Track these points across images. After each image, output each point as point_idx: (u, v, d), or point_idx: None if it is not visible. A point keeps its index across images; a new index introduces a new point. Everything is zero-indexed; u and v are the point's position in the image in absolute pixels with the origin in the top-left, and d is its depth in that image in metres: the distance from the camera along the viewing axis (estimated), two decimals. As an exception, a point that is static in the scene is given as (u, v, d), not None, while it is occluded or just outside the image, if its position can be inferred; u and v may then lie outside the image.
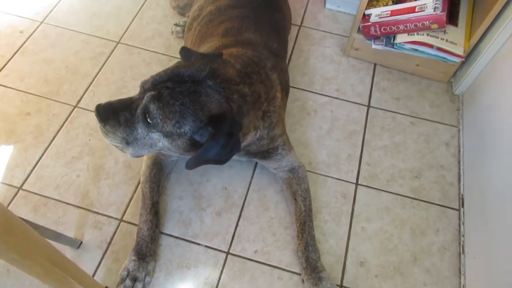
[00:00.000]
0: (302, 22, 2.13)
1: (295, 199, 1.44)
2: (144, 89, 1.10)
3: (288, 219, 1.48)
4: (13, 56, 1.85)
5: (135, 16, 2.06)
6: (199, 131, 1.06)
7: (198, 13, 1.65)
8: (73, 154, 1.58)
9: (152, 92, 1.05)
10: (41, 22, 1.99)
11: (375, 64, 1.97)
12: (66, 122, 1.66)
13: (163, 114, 1.04)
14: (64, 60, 1.85)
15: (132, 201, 1.48)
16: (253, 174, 1.59)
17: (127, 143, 1.13)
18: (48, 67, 1.82)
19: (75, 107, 1.70)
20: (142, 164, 1.48)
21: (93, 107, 1.59)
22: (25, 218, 1.24)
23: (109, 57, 1.89)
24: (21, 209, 1.43)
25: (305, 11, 2.18)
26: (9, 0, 2.06)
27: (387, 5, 1.73)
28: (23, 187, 1.48)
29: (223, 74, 1.11)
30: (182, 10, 1.98)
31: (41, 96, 1.72)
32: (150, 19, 2.06)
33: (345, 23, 2.13)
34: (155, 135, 1.09)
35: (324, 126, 1.75)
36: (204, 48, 1.46)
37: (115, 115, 1.10)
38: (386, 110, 1.81)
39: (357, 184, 1.59)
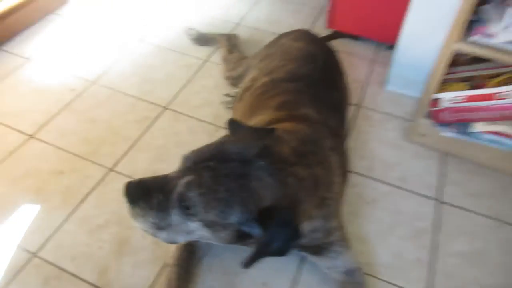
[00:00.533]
0: (360, 102, 1.98)
1: (351, 309, 1.16)
2: (184, 166, 0.93)
3: (340, 333, 1.18)
4: (59, 112, 1.79)
5: (186, 84, 2.00)
6: (247, 222, 0.88)
7: (250, 84, 1.55)
8: (99, 221, 1.40)
9: (189, 177, 0.88)
10: (93, 83, 1.96)
11: (444, 154, 1.74)
12: (99, 185, 1.52)
13: (205, 201, 0.87)
14: (108, 121, 1.77)
15: (157, 286, 1.25)
16: (299, 269, 1.33)
17: (159, 228, 0.95)
18: (91, 126, 1.74)
19: (110, 170, 1.57)
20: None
21: (130, 171, 1.47)
22: None
23: (154, 122, 1.79)
24: (31, 280, 1.24)
25: (363, 91, 2.05)
26: (65, 59, 2.08)
27: (460, 90, 1.55)
28: (38, 254, 1.31)
29: (276, 153, 0.94)
30: (234, 81, 1.90)
31: (78, 155, 1.62)
32: (201, 87, 1.99)
33: (409, 106, 1.96)
34: (194, 224, 0.91)
35: (386, 220, 1.50)
36: (255, 121, 1.32)
37: (147, 197, 0.92)
38: (461, 208, 1.55)
39: (429, 298, 1.29)
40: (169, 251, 1.31)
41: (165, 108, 1.86)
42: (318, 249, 1.16)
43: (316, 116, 1.24)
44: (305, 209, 0.96)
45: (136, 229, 1.36)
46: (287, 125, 1.17)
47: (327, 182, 1.06)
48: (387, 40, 2.25)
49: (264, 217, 0.86)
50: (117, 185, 1.52)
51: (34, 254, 1.30)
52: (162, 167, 1.59)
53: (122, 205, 1.45)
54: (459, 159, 1.72)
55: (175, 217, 0.91)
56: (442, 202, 1.57)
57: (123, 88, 1.94)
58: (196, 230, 0.92)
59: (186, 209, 0.89)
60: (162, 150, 1.67)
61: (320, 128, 1.18)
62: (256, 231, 0.87)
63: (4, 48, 2.11)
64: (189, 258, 1.24)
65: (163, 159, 1.63)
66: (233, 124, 1.02)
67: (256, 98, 1.43)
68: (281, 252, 0.88)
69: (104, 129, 1.74)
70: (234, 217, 0.87)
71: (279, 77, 1.45)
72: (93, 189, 1.50)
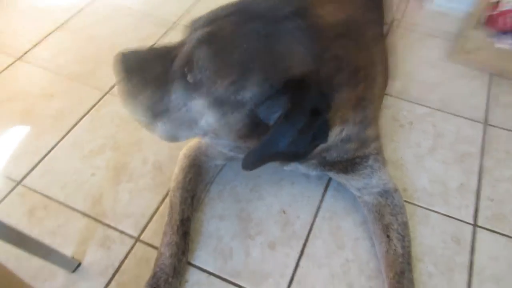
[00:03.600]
0: (397, 18, 1.71)
1: (388, 236, 0.96)
2: (194, 29, 0.72)
3: (373, 265, 1.00)
4: (53, 31, 1.59)
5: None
6: (266, 102, 0.66)
7: None
8: (93, 147, 1.23)
9: (205, 29, 0.66)
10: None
11: (491, 74, 1.49)
12: (93, 109, 1.33)
13: (215, 66, 0.65)
14: (108, 38, 1.57)
15: (156, 215, 1.08)
16: (323, 195, 1.14)
17: (154, 115, 0.75)
18: (88, 45, 1.54)
19: (107, 92, 1.38)
20: (176, 165, 1.10)
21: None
22: (15, 222, 0.92)
23: (161, 39, 1.58)
24: (14, 210, 1.08)
25: (401, 6, 1.77)
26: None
27: (523, -12, 1.27)
28: (23, 182, 1.14)
29: (314, 17, 0.71)
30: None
31: (72, 77, 1.42)
32: (217, 3, 1.74)
33: (452, 24, 1.69)
34: (197, 103, 0.70)
35: (424, 144, 1.28)
36: None
37: (141, 69, 0.72)
38: (512, 131, 1.31)
39: (475, 225, 1.09)
40: (172, 178, 1.14)
41: (175, 23, 1.64)
42: (349, 165, 0.95)
43: (354, 2, 1.00)
44: (339, 104, 0.74)
45: (135, 155, 1.20)
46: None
47: (368, 77, 0.83)
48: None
49: (289, 97, 0.65)
50: (114, 108, 1.33)
51: (18, 182, 1.14)
52: (165, 89, 1.39)
53: (119, 128, 1.28)
54: (509, 80, 1.46)
55: (175, 94, 0.71)
56: (491, 125, 1.33)
57: (127, 3, 1.72)
58: (199, 116, 0.72)
59: (189, 83, 0.69)
60: (165, 71, 1.46)
61: (358, 12, 0.94)
62: (274, 118, 0.66)
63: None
64: (196, 181, 1.06)
65: (166, 80, 1.43)
66: None
67: None
68: (300, 151, 0.67)
69: (103, 48, 1.53)
70: (249, 92, 0.65)
71: None
72: (86, 112, 1.32)
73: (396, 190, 1.02)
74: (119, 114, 1.31)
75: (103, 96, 1.37)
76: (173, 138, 0.79)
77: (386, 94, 1.40)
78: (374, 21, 1.01)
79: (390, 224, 0.97)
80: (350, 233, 1.06)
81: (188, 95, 0.70)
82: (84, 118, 1.30)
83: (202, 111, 0.70)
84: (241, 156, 0.99)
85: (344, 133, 0.85)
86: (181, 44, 0.73)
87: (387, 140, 1.27)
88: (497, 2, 1.30)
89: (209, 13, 0.72)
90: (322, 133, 0.68)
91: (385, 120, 1.33)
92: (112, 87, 1.40)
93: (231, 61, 0.64)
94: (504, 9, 1.28)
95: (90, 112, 1.32)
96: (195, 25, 0.73)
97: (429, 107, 1.38)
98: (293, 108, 0.64)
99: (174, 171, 1.08)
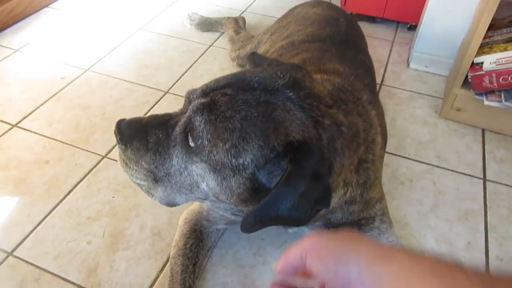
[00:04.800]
0: (382, 80, 1.78)
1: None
2: (189, 100, 0.73)
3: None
4: (47, 100, 1.60)
5: (189, 68, 1.81)
6: (266, 166, 0.66)
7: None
8: (89, 213, 1.19)
9: (202, 100, 0.68)
10: (86, 70, 1.78)
11: (483, 130, 1.52)
12: (89, 174, 1.31)
13: (214, 131, 0.65)
14: (102, 107, 1.57)
15: (156, 283, 1.02)
16: (330, 259, 1.10)
17: (155, 180, 0.74)
18: (82, 113, 1.54)
19: (103, 157, 1.36)
20: (177, 231, 1.06)
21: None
22: None
23: (153, 106, 1.59)
24: (3, 284, 1.01)
25: (385, 70, 1.85)
26: (57, 50, 1.90)
27: (505, 50, 1.34)
28: (14, 253, 1.08)
29: (309, 88, 0.73)
30: (242, 61, 1.71)
31: (67, 143, 1.41)
32: (205, 71, 1.80)
33: (436, 84, 1.76)
34: (199, 167, 0.69)
35: (425, 201, 1.27)
36: None
37: (143, 135, 0.73)
38: (512, 186, 1.32)
39: None
40: (172, 244, 1.09)
41: (166, 92, 1.67)
42: (355, 227, 0.93)
43: (347, 70, 1.03)
44: (341, 167, 0.74)
45: (133, 220, 1.16)
46: (317, 76, 0.96)
47: (368, 139, 0.84)
48: (407, 19, 2.07)
49: (290, 160, 0.64)
50: (111, 173, 1.31)
51: (9, 253, 1.08)
52: (163, 152, 1.38)
53: (117, 194, 1.25)
54: (501, 135, 1.50)
55: (176, 158, 0.71)
56: (490, 181, 1.34)
57: (120, 74, 1.75)
58: (200, 180, 0.71)
59: (190, 148, 0.69)
60: (162, 134, 1.46)
61: (353, 82, 0.97)
62: (276, 180, 0.65)
63: (-9, 40, 1.94)
64: (197, 247, 1.01)
65: (164, 143, 1.42)
66: (256, 56, 0.82)
67: None
68: (297, 215, 0.64)
69: (97, 115, 1.54)
70: (249, 156, 0.65)
71: (298, 39, 1.26)
72: (82, 178, 1.29)
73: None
74: (117, 179, 1.28)
75: (100, 160, 1.35)
76: (172, 202, 0.78)
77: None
78: (367, 85, 1.05)
79: None
80: (361, 298, 1.01)
81: (190, 159, 0.70)
82: (81, 184, 1.27)
83: (203, 175, 0.69)
84: None
85: (347, 195, 0.84)
86: (181, 112, 0.75)
87: (389, 198, 1.26)
88: (481, 63, 1.36)
89: (204, 86, 0.74)
90: (324, 198, 0.67)
91: (385, 178, 1.32)
92: (109, 151, 1.38)
93: (231, 126, 0.65)
94: (488, 69, 1.33)
95: (87, 177, 1.29)
96: (191, 96, 0.74)
97: (427, 164, 1.39)
98: (293, 171, 0.63)
99: (175, 237, 1.04)
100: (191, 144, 0.68)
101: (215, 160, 0.66)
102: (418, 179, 1.34)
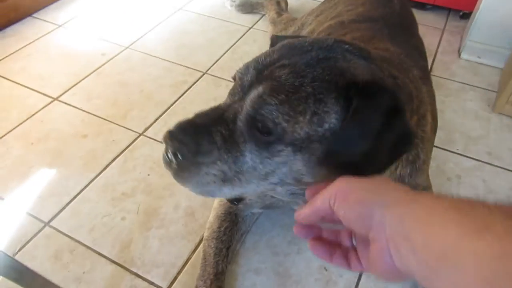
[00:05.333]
0: (431, 70, 1.67)
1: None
2: (242, 83, 0.66)
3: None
4: (87, 76, 1.61)
5: (228, 50, 1.77)
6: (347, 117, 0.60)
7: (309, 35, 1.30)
8: (124, 189, 1.18)
9: (259, 88, 0.61)
10: (126, 47, 1.77)
11: (542, 127, 1.41)
12: (126, 150, 1.30)
13: (290, 109, 0.59)
14: (140, 84, 1.57)
15: (188, 264, 1.01)
16: (368, 253, 1.04)
17: (223, 181, 0.66)
18: (121, 90, 1.54)
19: (140, 134, 1.35)
20: (211, 213, 1.03)
21: (162, 137, 1.24)
22: (39, 266, 0.93)
23: (191, 86, 1.57)
24: (39, 253, 1.02)
25: (434, 59, 1.74)
26: (99, 27, 1.90)
27: None
28: (51, 223, 1.09)
29: (363, 48, 0.69)
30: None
31: (105, 119, 1.41)
32: (244, 54, 1.76)
33: (489, 76, 1.65)
34: (281, 155, 0.62)
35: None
36: None
37: (206, 136, 0.64)
38: None
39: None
40: (205, 225, 1.07)
41: (204, 73, 1.64)
42: None
43: (399, 51, 0.96)
44: None
45: (167, 199, 1.15)
46: None
47: (420, 110, 0.78)
48: (460, 6, 1.95)
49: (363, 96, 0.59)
50: (147, 151, 1.30)
51: (46, 224, 1.09)
52: (199, 133, 1.36)
53: (152, 172, 1.24)
54: (562, 133, 1.38)
55: (250, 155, 0.63)
56: (547, 182, 1.23)
57: (159, 53, 1.74)
58: (281, 166, 0.63)
59: (265, 138, 0.61)
60: (199, 114, 1.43)
61: (405, 59, 0.90)
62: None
63: (36, 15, 1.97)
64: (231, 231, 0.98)
65: (200, 124, 1.40)
66: (276, 39, 0.76)
67: None
68: (373, 158, 0.58)
69: (135, 92, 1.53)
70: (332, 116, 0.59)
71: (349, 18, 1.19)
72: (119, 154, 1.29)
73: None
74: (152, 157, 1.27)
75: (137, 138, 1.34)
76: (237, 199, 0.74)
77: (429, 145, 1.33)
78: (420, 66, 0.98)
79: None
80: (400, 295, 0.96)
81: (269, 151, 0.62)
82: (117, 159, 1.27)
83: (287, 160, 0.63)
84: (280, 204, 0.93)
85: (397, 172, 0.77)
86: (234, 101, 0.66)
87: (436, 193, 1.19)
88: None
89: (254, 62, 0.67)
90: (405, 138, 0.60)
91: (431, 172, 1.23)
92: (146, 129, 1.38)
93: (304, 93, 0.59)
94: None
95: (124, 153, 1.29)
96: (244, 78, 0.66)
97: (477, 160, 1.30)
98: (362, 106, 0.58)
99: (209, 219, 1.02)
100: (267, 137, 0.61)
101: (301, 137, 0.60)
102: (467, 175, 1.25)
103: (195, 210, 1.12)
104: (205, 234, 0.99)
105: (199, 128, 0.65)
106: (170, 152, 0.65)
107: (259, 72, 0.64)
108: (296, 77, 0.60)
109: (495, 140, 1.37)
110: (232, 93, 0.68)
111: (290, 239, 1.06)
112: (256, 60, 0.67)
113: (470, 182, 1.23)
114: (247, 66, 0.68)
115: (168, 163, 0.67)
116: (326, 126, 0.60)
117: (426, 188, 0.90)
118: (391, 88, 0.62)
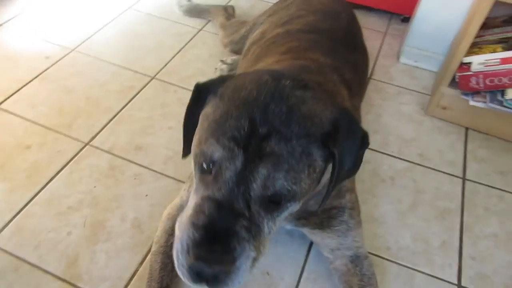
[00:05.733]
0: (371, 74, 1.77)
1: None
2: (231, 166, 0.65)
3: (359, 333, 0.97)
4: (30, 81, 1.57)
5: (177, 53, 1.78)
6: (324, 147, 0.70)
7: (259, 37, 1.35)
8: (71, 203, 1.18)
9: (263, 168, 0.64)
10: (72, 50, 1.73)
11: (467, 128, 1.54)
12: (72, 161, 1.30)
13: (295, 173, 0.66)
14: (86, 90, 1.55)
15: (135, 277, 1.04)
16: (307, 255, 1.12)
17: (254, 259, 0.70)
18: (66, 96, 1.52)
19: (86, 144, 1.35)
20: (159, 226, 1.06)
21: (109, 146, 1.25)
22: None
23: (139, 92, 1.57)
24: (-18, 272, 1.02)
25: (375, 63, 1.84)
26: (43, 27, 1.84)
27: (494, 51, 1.34)
28: (-7, 241, 1.09)
29: (283, 72, 0.80)
30: (236, 45, 1.68)
31: (50, 128, 1.39)
32: (193, 57, 1.77)
33: (425, 80, 1.76)
34: (290, 207, 0.71)
35: (405, 200, 1.29)
36: (255, 68, 1.12)
37: (233, 236, 0.65)
38: (490, 187, 1.35)
39: (460, 286, 1.09)
40: (152, 238, 1.10)
41: (153, 77, 1.64)
42: (325, 219, 0.94)
43: (328, 61, 1.04)
44: None
45: (114, 211, 1.17)
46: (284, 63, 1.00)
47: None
48: (402, 11, 2.05)
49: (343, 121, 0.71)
50: (94, 161, 1.30)
51: (-11, 241, 1.08)
52: (147, 141, 1.38)
53: (98, 183, 1.25)
54: (484, 135, 1.52)
55: (267, 225, 0.69)
56: (469, 180, 1.36)
57: (106, 56, 1.72)
58: (291, 211, 0.74)
59: (277, 206, 0.68)
60: (147, 122, 1.45)
61: (329, 73, 0.98)
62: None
63: (-28, 14, 1.88)
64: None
65: (148, 132, 1.41)
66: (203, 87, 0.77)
67: (264, 48, 1.23)
68: (359, 164, 0.77)
69: (81, 99, 1.51)
70: (319, 159, 0.69)
71: (296, 28, 1.25)
72: (65, 165, 1.28)
73: (366, 257, 1.01)
74: (99, 168, 1.28)
75: (83, 147, 1.34)
76: None
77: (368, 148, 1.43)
78: (346, 79, 1.06)
79: None
80: (335, 295, 1.04)
81: (277, 212, 0.70)
82: (63, 171, 1.26)
83: (293, 207, 0.72)
84: None
85: (326, 177, 0.85)
86: (233, 189, 0.65)
87: (369, 196, 1.28)
88: (470, 63, 1.36)
89: (230, 142, 0.65)
90: (364, 141, 0.76)
91: (367, 175, 1.34)
92: (93, 138, 1.37)
93: (298, 156, 0.65)
94: (476, 70, 1.33)
95: (69, 164, 1.28)
96: (229, 161, 0.65)
97: (409, 162, 1.41)
98: (350, 130, 0.71)
99: (157, 233, 1.05)
100: (279, 204, 0.68)
101: (305, 190, 0.69)
102: (400, 177, 1.36)
103: (142, 222, 1.15)
104: (152, 249, 1.02)
105: (225, 236, 0.64)
106: (209, 274, 0.64)
107: (245, 150, 0.64)
108: (285, 144, 0.65)
109: (426, 142, 1.49)
110: (223, 180, 0.66)
111: (235, 246, 1.11)
112: (230, 137, 0.65)
113: (401, 183, 1.34)
114: (225, 147, 0.65)
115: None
116: (317, 170, 0.69)
117: (350, 190, 0.98)
118: (351, 117, 0.73)
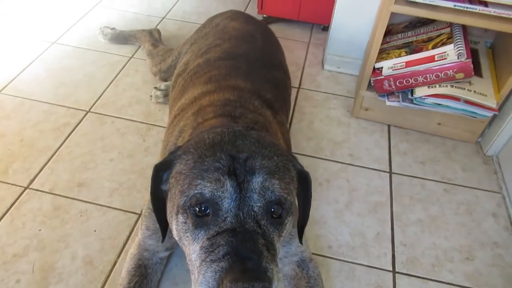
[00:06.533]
0: (300, 84, 1.89)
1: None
2: (227, 195, 0.68)
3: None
4: (-44, 130, 1.51)
5: (110, 83, 1.79)
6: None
7: (183, 68, 1.40)
8: (15, 250, 1.17)
9: (257, 177, 0.71)
10: (-2, 93, 1.69)
11: (388, 125, 1.70)
12: (12, 207, 1.28)
13: (286, 183, 0.75)
14: (19, 133, 1.52)
15: (92, 314, 1.05)
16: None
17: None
18: (-2, 141, 1.49)
19: (25, 188, 1.34)
20: (123, 267, 1.07)
21: (50, 186, 1.25)
22: None
23: (75, 128, 1.57)
24: None
25: (302, 73, 1.96)
26: (-37, 70, 1.78)
27: (399, 56, 1.50)
28: None
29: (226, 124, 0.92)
30: (165, 74, 1.73)
31: (-16, 177, 1.36)
32: (127, 85, 1.80)
33: (348, 84, 1.91)
34: (289, 225, 0.81)
35: (341, 199, 1.40)
36: (182, 101, 1.19)
37: (259, 255, 0.65)
38: (412, 177, 1.50)
39: (394, 272, 1.21)
40: (106, 271, 1.12)
41: (88, 111, 1.64)
42: None
43: (248, 86, 1.13)
44: None
45: (63, 252, 1.17)
46: (207, 100, 1.08)
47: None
48: (320, 21, 2.20)
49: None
50: (36, 204, 1.29)
51: None
52: (89, 176, 1.38)
53: (43, 226, 1.24)
54: (404, 129, 1.68)
55: (278, 249, 0.75)
56: (395, 173, 1.51)
57: (36, 95, 1.70)
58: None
59: (279, 218, 0.74)
60: (87, 157, 1.45)
61: (251, 98, 1.08)
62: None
63: None
64: (141, 285, 1.02)
65: (89, 167, 1.42)
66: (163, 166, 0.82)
67: (188, 80, 1.29)
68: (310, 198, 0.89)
69: (14, 143, 1.49)
70: (295, 178, 0.82)
71: (214, 56, 1.32)
72: (5, 213, 1.26)
73: (311, 259, 1.09)
74: (42, 210, 1.27)
75: (22, 192, 1.32)
76: None
77: (303, 155, 1.54)
78: (268, 100, 1.17)
79: None
80: (286, 298, 1.12)
81: (280, 227, 0.76)
82: (3, 219, 1.24)
83: (289, 225, 0.79)
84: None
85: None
86: (238, 214, 0.68)
87: (309, 200, 1.38)
88: (381, 68, 1.51)
89: (218, 174, 0.69)
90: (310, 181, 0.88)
91: (305, 181, 1.44)
92: (32, 181, 1.36)
93: (282, 169, 0.76)
94: (387, 74, 1.49)
95: (10, 211, 1.27)
96: (224, 191, 0.68)
97: (342, 163, 1.53)
98: (308, 190, 0.86)
99: (121, 274, 1.05)
100: (280, 218, 0.75)
101: (292, 202, 0.77)
102: (334, 178, 1.47)
103: (93, 258, 1.16)
104: (118, 291, 1.04)
105: (256, 258, 0.64)
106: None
107: (233, 175, 0.69)
108: (269, 160, 0.73)
109: (355, 142, 1.62)
110: (225, 210, 0.67)
111: (188, 268, 1.16)
112: (214, 170, 0.69)
113: (337, 184, 1.45)
114: (212, 180, 0.68)
115: None
116: (293, 188, 0.78)
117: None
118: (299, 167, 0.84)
